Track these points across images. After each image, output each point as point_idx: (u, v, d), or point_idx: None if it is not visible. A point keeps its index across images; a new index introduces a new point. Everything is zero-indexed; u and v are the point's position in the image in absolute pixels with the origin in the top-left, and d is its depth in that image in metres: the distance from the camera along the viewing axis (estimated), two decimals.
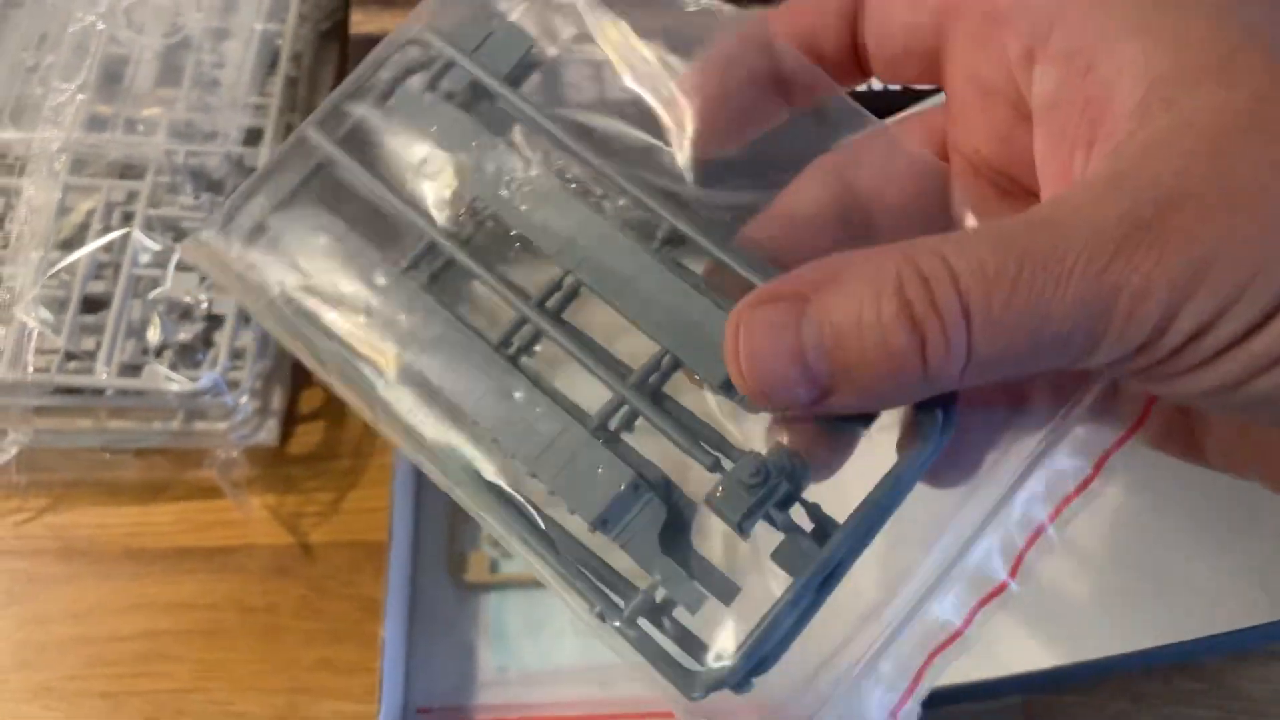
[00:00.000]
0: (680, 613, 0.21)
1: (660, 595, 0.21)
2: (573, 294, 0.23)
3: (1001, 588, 0.22)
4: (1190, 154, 0.18)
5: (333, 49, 0.52)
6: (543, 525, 0.22)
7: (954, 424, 0.20)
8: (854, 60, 0.24)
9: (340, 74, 0.47)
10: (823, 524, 0.21)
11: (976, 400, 0.21)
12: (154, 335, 0.42)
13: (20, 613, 0.43)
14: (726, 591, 0.21)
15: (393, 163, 0.25)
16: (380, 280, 0.24)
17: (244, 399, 0.43)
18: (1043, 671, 0.33)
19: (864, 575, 0.21)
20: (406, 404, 0.23)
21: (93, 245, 0.43)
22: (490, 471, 0.22)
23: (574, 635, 0.41)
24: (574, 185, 0.24)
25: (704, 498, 0.21)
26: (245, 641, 0.42)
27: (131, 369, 0.42)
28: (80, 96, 0.46)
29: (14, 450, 0.43)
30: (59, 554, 0.44)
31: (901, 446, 0.21)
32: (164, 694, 0.41)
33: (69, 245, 0.44)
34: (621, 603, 0.21)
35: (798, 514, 0.21)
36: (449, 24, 0.25)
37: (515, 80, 0.25)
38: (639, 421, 0.22)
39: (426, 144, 0.24)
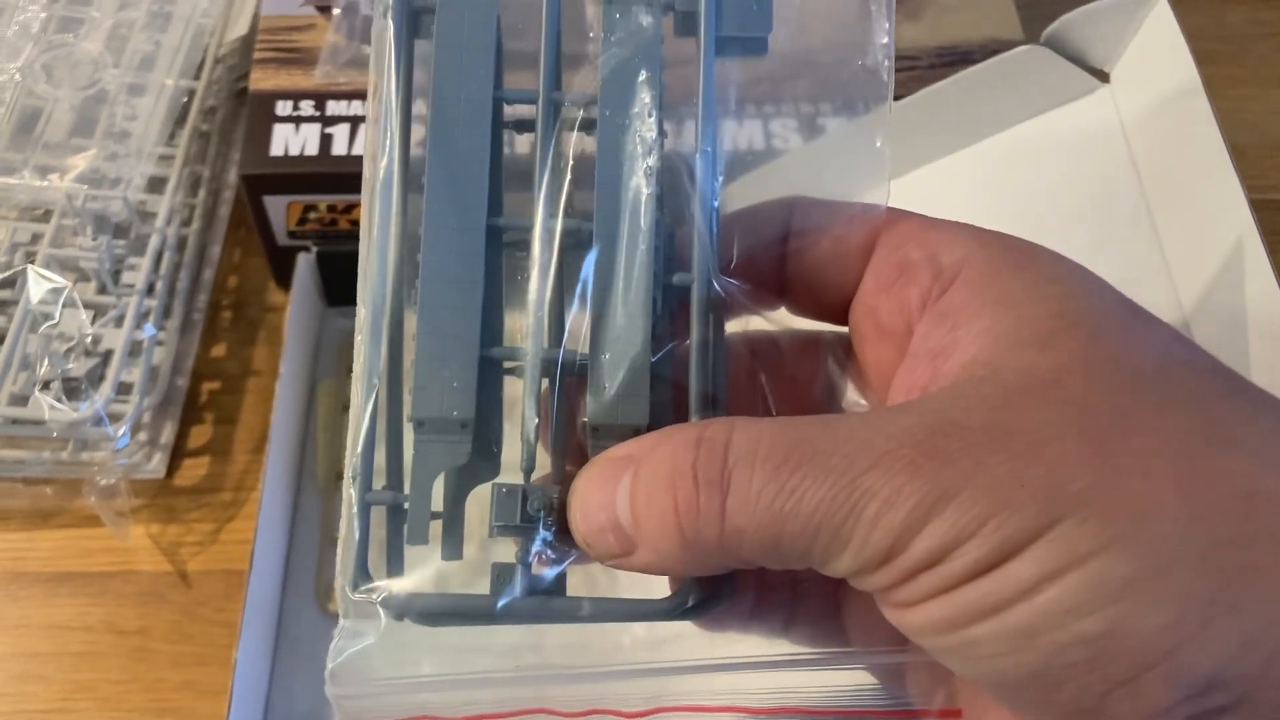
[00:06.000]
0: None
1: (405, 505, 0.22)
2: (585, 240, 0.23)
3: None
4: (982, 398, 0.19)
5: (245, 107, 0.55)
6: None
7: (715, 598, 0.22)
8: (779, 283, 0.25)
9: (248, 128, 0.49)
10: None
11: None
12: (44, 368, 0.44)
13: None
14: (450, 548, 0.22)
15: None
16: None
17: (125, 430, 0.45)
18: None
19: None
20: None
21: None
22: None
23: (429, 666, 0.43)
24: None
25: (494, 483, 0.22)
26: (116, 663, 0.44)
27: (21, 399, 0.44)
28: None
29: None
30: None
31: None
32: (31, 713, 0.42)
33: None
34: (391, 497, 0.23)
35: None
36: None
37: None
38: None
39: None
